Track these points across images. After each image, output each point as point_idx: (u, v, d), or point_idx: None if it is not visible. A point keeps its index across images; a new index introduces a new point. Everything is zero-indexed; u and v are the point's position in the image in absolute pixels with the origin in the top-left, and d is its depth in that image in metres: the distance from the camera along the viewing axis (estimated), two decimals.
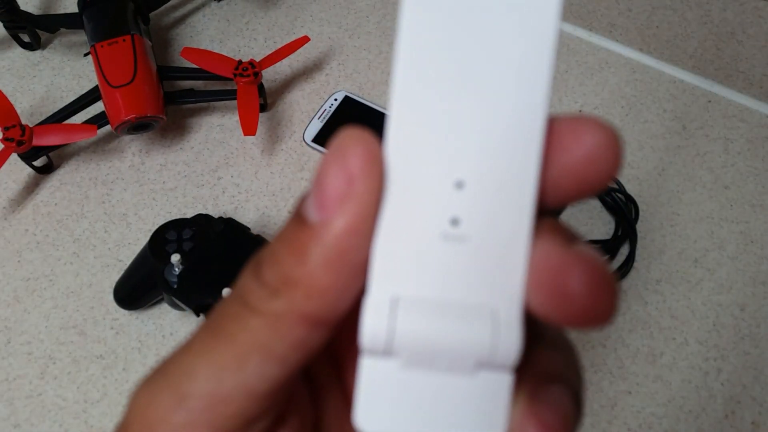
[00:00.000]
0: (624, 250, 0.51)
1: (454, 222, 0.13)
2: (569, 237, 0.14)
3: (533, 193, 0.13)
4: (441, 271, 0.13)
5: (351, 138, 0.13)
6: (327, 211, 0.12)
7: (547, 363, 0.15)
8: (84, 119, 0.53)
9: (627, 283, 0.50)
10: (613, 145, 0.13)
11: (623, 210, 0.51)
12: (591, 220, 0.53)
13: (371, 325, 0.13)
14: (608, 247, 0.51)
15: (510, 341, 0.13)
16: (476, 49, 0.13)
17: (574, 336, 0.48)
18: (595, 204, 0.53)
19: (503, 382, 0.14)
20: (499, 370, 0.14)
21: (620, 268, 0.50)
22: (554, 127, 0.14)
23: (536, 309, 0.13)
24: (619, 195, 0.52)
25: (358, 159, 0.13)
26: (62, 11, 0.60)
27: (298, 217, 0.13)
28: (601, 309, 0.13)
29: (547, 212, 0.14)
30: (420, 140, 0.13)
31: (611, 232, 0.52)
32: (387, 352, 0.13)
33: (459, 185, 0.13)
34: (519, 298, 0.13)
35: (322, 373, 0.17)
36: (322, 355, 0.17)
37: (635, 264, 0.51)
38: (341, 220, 0.12)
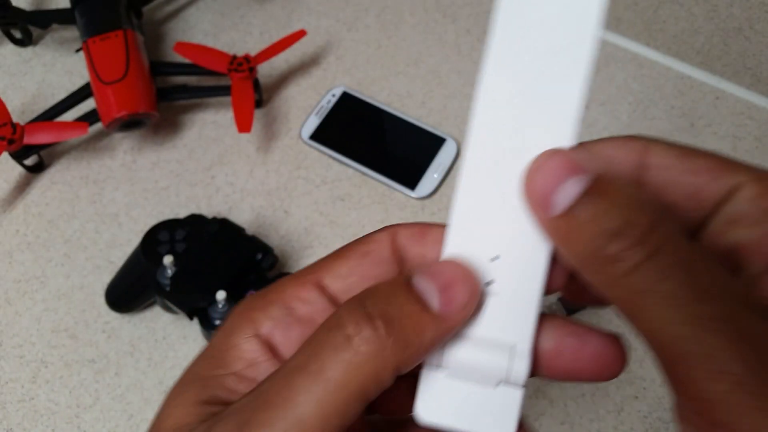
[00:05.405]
0: None
1: (489, 283, 0.19)
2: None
3: (542, 279, 0.19)
4: (478, 316, 0.19)
5: (463, 275, 0.18)
6: (453, 312, 0.18)
7: None
8: (75, 116, 0.52)
9: None
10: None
11: None
12: None
13: None
14: None
15: (521, 368, 0.18)
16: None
17: None
18: None
19: (516, 394, 0.19)
20: (513, 386, 0.19)
21: None
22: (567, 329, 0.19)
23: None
24: None
25: (471, 286, 0.18)
26: (54, 7, 0.60)
27: (410, 289, 0.18)
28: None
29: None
30: (470, 233, 0.19)
31: None
32: (438, 365, 0.19)
33: (494, 259, 0.19)
34: (530, 339, 0.19)
35: None
36: None
37: None
38: (460, 321, 0.18)
